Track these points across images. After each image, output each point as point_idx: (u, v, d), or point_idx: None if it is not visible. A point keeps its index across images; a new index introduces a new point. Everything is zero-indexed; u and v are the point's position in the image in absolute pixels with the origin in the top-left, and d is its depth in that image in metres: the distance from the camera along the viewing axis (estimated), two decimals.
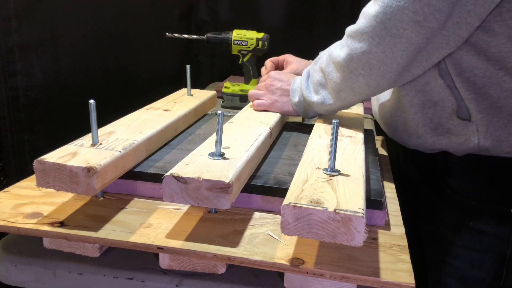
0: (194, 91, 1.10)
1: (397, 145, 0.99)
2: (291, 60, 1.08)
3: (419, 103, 0.77)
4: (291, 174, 0.67)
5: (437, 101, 0.76)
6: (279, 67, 1.11)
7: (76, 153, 0.63)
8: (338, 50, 0.78)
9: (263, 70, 1.12)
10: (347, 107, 0.85)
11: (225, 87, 1.29)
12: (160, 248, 0.59)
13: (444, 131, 0.77)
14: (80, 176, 0.59)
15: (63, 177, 0.60)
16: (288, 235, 0.54)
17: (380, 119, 0.92)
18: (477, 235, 0.78)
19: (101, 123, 0.74)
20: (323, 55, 0.84)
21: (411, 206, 0.89)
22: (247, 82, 1.28)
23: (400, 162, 0.97)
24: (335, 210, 0.52)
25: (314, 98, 0.85)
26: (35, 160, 0.60)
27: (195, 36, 1.26)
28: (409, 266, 0.58)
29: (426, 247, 0.86)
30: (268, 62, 1.10)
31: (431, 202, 0.84)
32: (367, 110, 1.25)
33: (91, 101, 0.66)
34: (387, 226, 0.68)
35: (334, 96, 0.81)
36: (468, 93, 0.73)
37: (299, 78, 0.91)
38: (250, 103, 1.02)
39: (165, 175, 0.58)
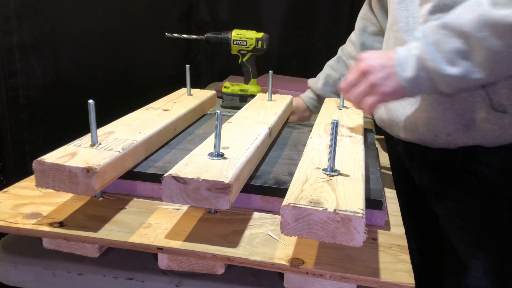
0: (193, 90, 1.10)
1: (395, 146, 0.98)
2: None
3: (448, 100, 0.76)
4: (291, 174, 0.67)
5: (467, 97, 0.74)
6: None
7: (75, 154, 0.63)
8: (501, 10, 0.62)
9: None
10: (496, 80, 0.73)
11: (225, 87, 1.29)
12: (160, 249, 0.59)
13: (477, 125, 0.75)
14: (79, 177, 0.59)
15: (62, 178, 0.60)
16: (287, 235, 0.53)
17: (391, 122, 0.89)
18: None
19: (101, 123, 0.74)
20: (454, 18, 0.67)
21: (411, 206, 0.89)
22: (246, 82, 1.28)
23: (401, 161, 0.96)
24: (334, 210, 0.52)
25: (451, 70, 0.67)
26: (34, 161, 0.60)
27: (195, 36, 1.26)
28: (409, 266, 0.57)
29: (448, 250, 0.86)
30: None
31: (452, 198, 0.84)
32: None
33: (90, 101, 0.66)
34: (387, 226, 0.68)
35: (486, 67, 0.66)
36: (499, 87, 0.72)
37: (405, 48, 0.72)
38: (250, 103, 1.01)
39: (165, 175, 0.58)
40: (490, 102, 0.73)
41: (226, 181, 0.57)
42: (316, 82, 1.17)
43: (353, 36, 1.14)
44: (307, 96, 1.18)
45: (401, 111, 0.85)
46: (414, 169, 0.93)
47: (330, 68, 1.15)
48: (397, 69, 0.71)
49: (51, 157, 0.61)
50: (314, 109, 1.17)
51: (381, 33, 1.07)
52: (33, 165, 0.60)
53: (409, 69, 0.70)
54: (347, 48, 1.14)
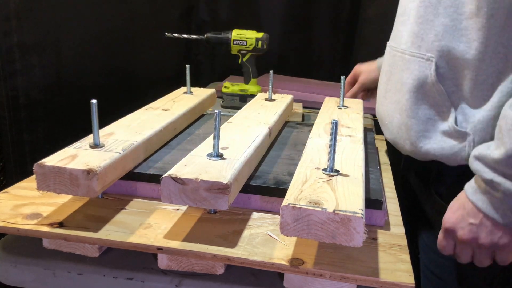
0: (193, 89, 1.10)
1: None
2: (359, 70, 1.11)
3: (413, 107, 0.76)
4: (291, 174, 0.67)
5: (432, 105, 0.74)
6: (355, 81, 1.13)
7: (75, 156, 0.63)
8: None
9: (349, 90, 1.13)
10: None
11: (225, 87, 1.29)
12: (160, 249, 0.59)
13: (437, 138, 0.74)
14: (80, 179, 0.59)
15: (63, 180, 0.60)
16: (287, 236, 0.54)
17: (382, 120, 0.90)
18: None
19: (101, 123, 0.74)
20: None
21: (411, 210, 0.88)
22: (246, 82, 1.28)
23: (401, 164, 0.96)
24: (334, 210, 0.52)
25: None
26: (35, 164, 0.60)
27: (195, 36, 1.26)
28: (409, 266, 0.58)
29: (420, 252, 0.85)
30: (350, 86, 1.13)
31: (426, 207, 0.83)
32: (368, 109, 1.25)
33: (93, 101, 0.66)
34: (386, 226, 0.68)
35: None
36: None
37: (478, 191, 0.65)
38: (250, 103, 1.02)
39: (163, 176, 0.58)
40: (455, 117, 0.72)
41: (225, 182, 0.57)
42: None
43: None
44: None
45: (387, 111, 0.85)
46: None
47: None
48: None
49: (51, 160, 0.61)
50: None
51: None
52: (33, 168, 0.60)
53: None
54: None
